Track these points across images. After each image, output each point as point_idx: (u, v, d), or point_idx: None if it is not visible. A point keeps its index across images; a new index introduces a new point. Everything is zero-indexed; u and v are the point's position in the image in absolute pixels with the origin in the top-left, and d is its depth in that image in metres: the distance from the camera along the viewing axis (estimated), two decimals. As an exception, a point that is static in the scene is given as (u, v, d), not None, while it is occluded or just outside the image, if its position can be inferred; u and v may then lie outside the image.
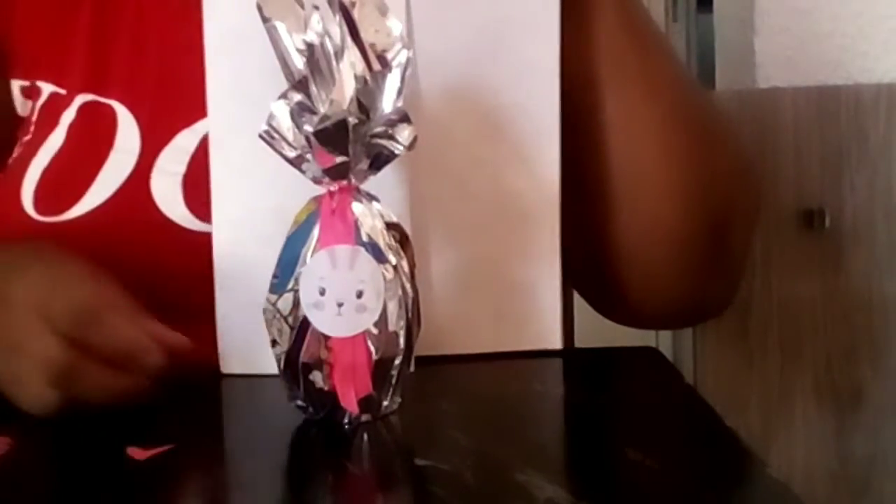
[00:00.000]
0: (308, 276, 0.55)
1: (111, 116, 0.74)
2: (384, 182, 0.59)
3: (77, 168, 0.73)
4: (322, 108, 0.54)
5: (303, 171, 0.56)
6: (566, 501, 0.47)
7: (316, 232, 0.56)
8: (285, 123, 0.55)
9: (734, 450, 0.54)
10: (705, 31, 1.68)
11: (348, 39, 0.54)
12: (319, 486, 0.52)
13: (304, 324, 0.56)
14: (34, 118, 0.76)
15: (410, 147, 0.56)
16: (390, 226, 0.57)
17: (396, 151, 0.56)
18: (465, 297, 0.68)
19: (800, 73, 1.23)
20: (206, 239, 0.67)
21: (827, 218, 1.16)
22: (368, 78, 0.54)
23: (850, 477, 1.17)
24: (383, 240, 0.56)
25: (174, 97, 0.73)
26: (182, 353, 0.60)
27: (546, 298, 0.69)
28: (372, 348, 0.55)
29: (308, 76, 0.54)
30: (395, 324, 0.56)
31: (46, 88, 0.76)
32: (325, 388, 0.56)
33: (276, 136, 0.56)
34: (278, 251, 0.57)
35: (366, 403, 0.56)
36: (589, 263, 0.73)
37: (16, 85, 0.78)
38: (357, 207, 0.56)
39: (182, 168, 0.71)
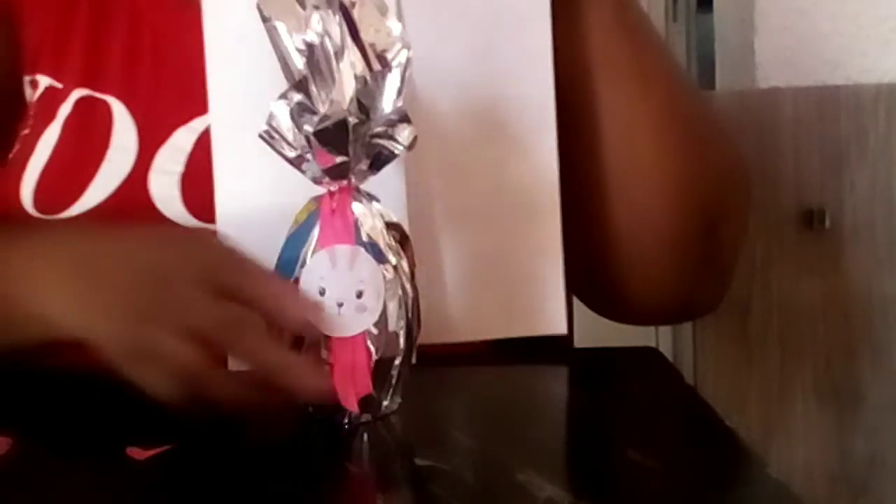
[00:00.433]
0: (308, 275, 0.55)
1: (107, 112, 0.74)
2: (384, 182, 0.59)
3: (75, 166, 0.73)
4: (322, 108, 0.54)
5: (303, 171, 0.56)
6: (566, 501, 0.47)
7: (316, 232, 0.56)
8: (285, 123, 0.55)
9: (734, 450, 0.54)
10: (705, 31, 1.68)
11: (348, 39, 0.54)
12: (319, 486, 0.52)
13: (305, 324, 0.55)
14: (31, 112, 0.76)
15: (410, 147, 0.56)
16: (390, 226, 0.57)
17: (396, 151, 0.56)
18: (472, 286, 0.69)
19: (799, 73, 1.22)
20: None
21: (827, 218, 1.15)
22: (368, 78, 0.54)
23: (850, 477, 1.17)
24: (383, 240, 0.56)
25: (170, 94, 0.73)
26: (314, 394, 0.56)
27: (550, 284, 0.69)
28: (372, 348, 0.55)
29: (308, 76, 0.54)
30: (395, 324, 0.56)
31: (43, 82, 0.76)
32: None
33: (276, 136, 0.56)
34: (278, 251, 0.57)
35: (366, 403, 0.56)
36: (580, 258, 0.73)
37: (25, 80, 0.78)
38: (357, 207, 0.56)
39: (180, 168, 0.71)
